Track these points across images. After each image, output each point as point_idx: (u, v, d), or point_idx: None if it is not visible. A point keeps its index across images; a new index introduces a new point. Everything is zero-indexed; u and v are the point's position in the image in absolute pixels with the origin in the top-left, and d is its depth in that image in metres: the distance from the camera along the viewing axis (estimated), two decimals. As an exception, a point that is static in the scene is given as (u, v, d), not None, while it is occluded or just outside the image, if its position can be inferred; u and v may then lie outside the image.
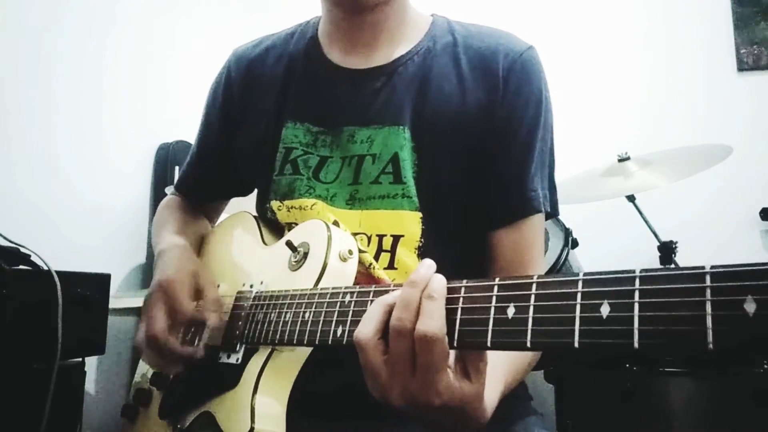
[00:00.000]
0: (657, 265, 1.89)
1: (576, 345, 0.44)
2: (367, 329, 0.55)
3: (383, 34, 0.89)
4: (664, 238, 1.86)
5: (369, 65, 0.89)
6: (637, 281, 0.42)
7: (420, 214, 0.83)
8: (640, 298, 0.42)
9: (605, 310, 0.43)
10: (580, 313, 0.44)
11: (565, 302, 0.45)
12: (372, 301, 0.61)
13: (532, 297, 0.48)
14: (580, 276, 0.46)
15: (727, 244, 2.16)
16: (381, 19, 0.88)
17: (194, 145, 1.06)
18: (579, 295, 0.45)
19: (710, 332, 0.37)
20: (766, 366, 1.26)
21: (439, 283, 0.54)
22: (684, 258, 1.85)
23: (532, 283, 0.49)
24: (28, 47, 1.58)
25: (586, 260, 1.82)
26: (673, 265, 1.84)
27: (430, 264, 0.56)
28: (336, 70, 0.91)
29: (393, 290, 0.58)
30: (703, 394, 1.34)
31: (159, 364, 0.83)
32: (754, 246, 2.18)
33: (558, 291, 0.47)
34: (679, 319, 0.39)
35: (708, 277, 0.39)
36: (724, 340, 0.37)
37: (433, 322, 0.51)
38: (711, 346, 0.37)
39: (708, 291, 0.38)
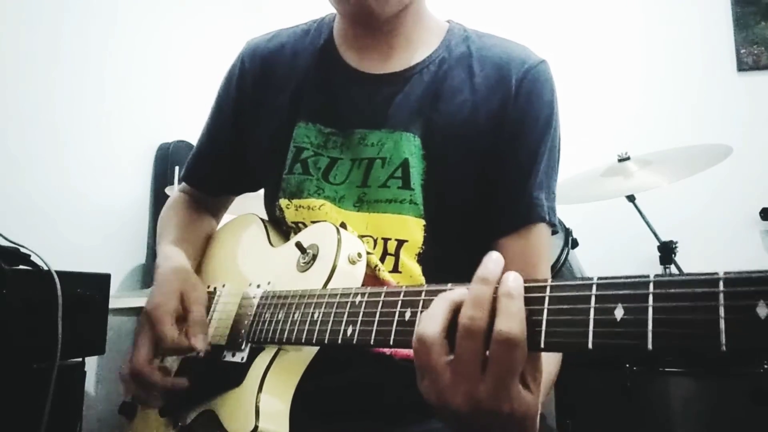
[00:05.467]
0: (657, 265, 1.89)
1: (590, 346, 0.44)
2: (432, 327, 0.51)
3: (398, 40, 0.89)
4: (664, 238, 1.86)
5: (384, 71, 0.89)
6: (651, 285, 0.43)
7: (424, 222, 0.83)
8: (653, 302, 0.42)
9: (619, 313, 0.44)
10: (594, 315, 0.45)
11: (579, 305, 0.46)
12: (383, 302, 0.60)
13: (546, 300, 0.48)
14: (594, 280, 0.47)
15: (727, 244, 2.17)
16: (395, 26, 0.88)
17: (202, 136, 1.04)
18: (593, 298, 0.46)
19: (723, 335, 0.38)
20: (766, 366, 1.26)
21: (516, 280, 0.50)
22: (684, 258, 1.86)
23: (545, 286, 0.49)
24: (28, 47, 1.57)
25: (586, 260, 1.82)
26: (673, 266, 1.84)
27: (497, 258, 0.53)
28: (351, 73, 0.90)
29: (451, 288, 0.55)
30: (703, 394, 1.34)
31: (140, 396, 0.84)
32: (754, 246, 2.18)
33: (572, 294, 0.47)
34: (692, 322, 0.40)
35: (721, 283, 0.40)
36: (736, 343, 0.38)
37: (513, 322, 0.48)
38: (724, 348, 0.38)
39: (721, 296, 0.39)
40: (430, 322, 0.51)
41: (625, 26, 2.45)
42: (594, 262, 1.89)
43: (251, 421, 0.69)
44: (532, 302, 0.49)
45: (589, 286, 0.46)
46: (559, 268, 1.57)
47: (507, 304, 0.49)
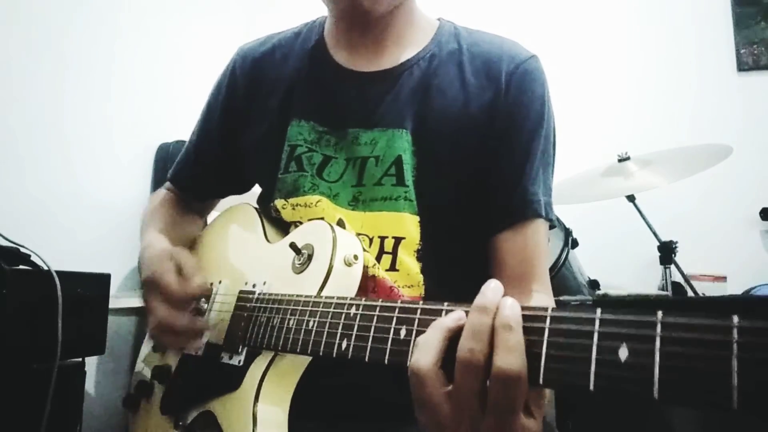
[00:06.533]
0: (657, 265, 1.89)
1: (592, 388, 0.42)
2: (427, 358, 0.49)
3: (389, 37, 0.89)
4: (664, 238, 1.86)
5: (375, 68, 0.89)
6: (659, 327, 0.40)
7: (418, 218, 0.83)
8: (661, 346, 0.40)
9: (623, 353, 0.41)
10: (597, 354, 0.42)
11: (580, 341, 0.44)
12: (377, 316, 0.59)
13: (546, 331, 0.46)
14: (597, 314, 0.44)
15: (727, 244, 2.17)
16: (387, 25, 0.88)
17: (191, 140, 1.05)
18: (596, 335, 0.43)
19: (735, 391, 0.36)
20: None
21: (514, 308, 0.47)
22: (684, 258, 1.86)
23: (545, 317, 0.46)
24: (29, 48, 1.58)
25: (586, 260, 1.82)
26: (673, 266, 1.84)
27: (496, 287, 0.50)
28: (342, 72, 0.90)
29: (447, 310, 0.52)
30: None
31: (177, 344, 0.82)
32: (754, 246, 2.18)
33: (573, 328, 0.45)
34: (702, 374, 0.37)
35: (735, 332, 0.37)
36: (750, 401, 0.36)
37: (513, 357, 0.45)
38: (735, 406, 0.36)
39: (735, 346, 0.37)
40: (424, 354, 0.49)
41: (625, 26, 2.45)
42: (594, 262, 1.89)
43: (249, 429, 0.69)
44: (530, 333, 0.46)
45: (592, 321, 0.44)
46: (559, 268, 1.57)
47: (505, 337, 0.46)
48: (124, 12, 1.96)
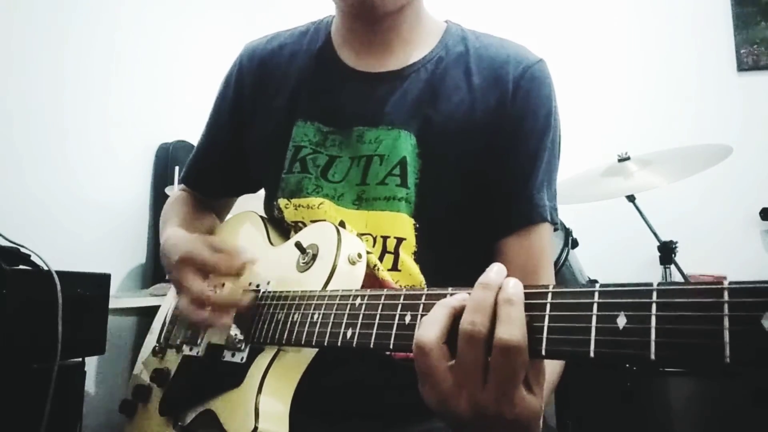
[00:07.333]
0: (657, 265, 1.89)
1: (592, 354, 0.44)
2: (431, 333, 0.51)
3: (396, 39, 0.89)
4: (664, 238, 1.86)
5: (381, 69, 0.89)
6: (654, 294, 0.42)
7: (413, 221, 0.83)
8: (657, 311, 0.42)
9: (621, 321, 0.43)
10: (596, 323, 0.45)
11: (580, 312, 0.46)
12: (382, 304, 0.60)
13: (548, 306, 0.48)
14: (597, 287, 0.46)
15: (727, 244, 2.17)
16: (394, 24, 0.88)
17: (201, 138, 1.05)
18: (595, 306, 0.45)
19: (727, 347, 0.38)
20: None
21: (517, 286, 0.50)
22: (684, 258, 1.86)
23: (547, 293, 0.49)
24: (29, 47, 1.58)
25: (586, 260, 1.82)
26: (673, 267, 1.84)
27: (500, 269, 0.53)
28: (348, 72, 0.90)
29: (452, 293, 0.55)
30: (703, 394, 1.34)
31: (208, 321, 0.77)
32: (754, 246, 2.18)
33: (574, 301, 0.47)
34: (696, 332, 0.40)
35: (726, 293, 0.39)
36: (741, 355, 0.38)
37: (514, 329, 0.48)
38: (728, 360, 0.38)
39: (726, 306, 0.39)
40: (429, 328, 0.51)
41: (625, 26, 2.45)
42: (594, 262, 1.89)
43: (251, 422, 0.69)
44: (533, 308, 0.49)
45: (591, 294, 0.46)
46: (560, 268, 1.57)
47: (507, 310, 0.48)
48: (124, 12, 1.96)
